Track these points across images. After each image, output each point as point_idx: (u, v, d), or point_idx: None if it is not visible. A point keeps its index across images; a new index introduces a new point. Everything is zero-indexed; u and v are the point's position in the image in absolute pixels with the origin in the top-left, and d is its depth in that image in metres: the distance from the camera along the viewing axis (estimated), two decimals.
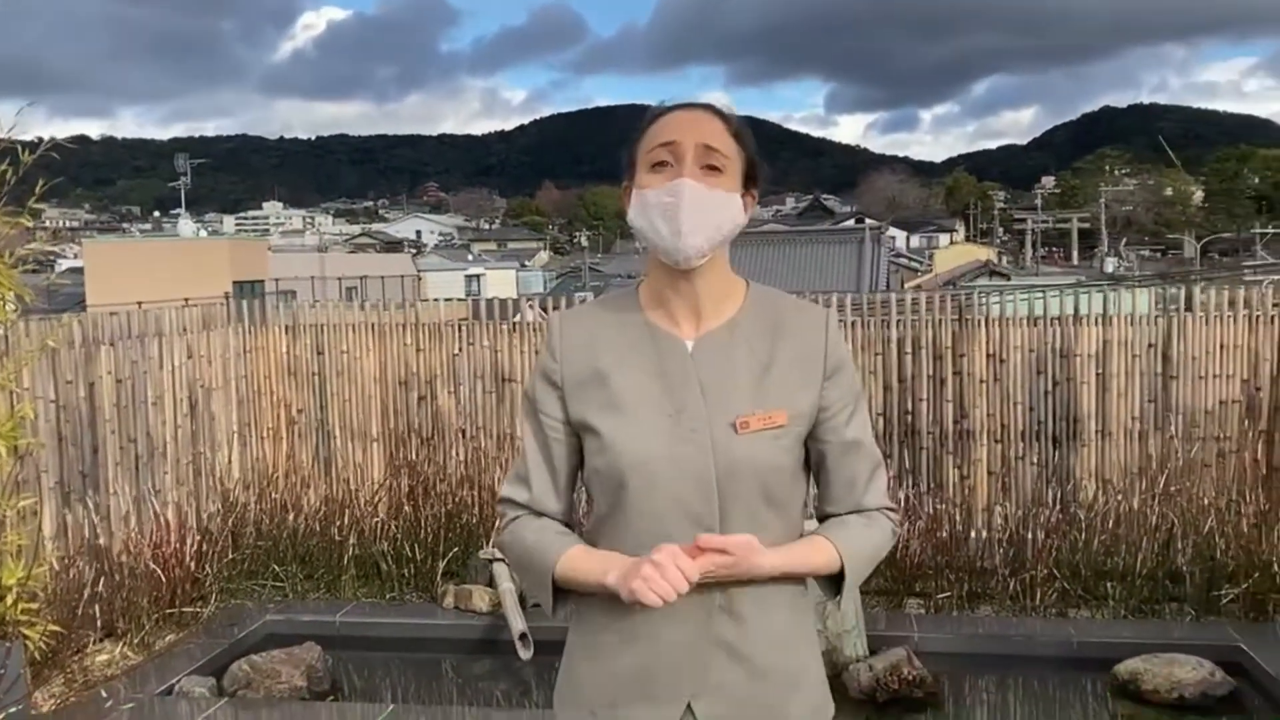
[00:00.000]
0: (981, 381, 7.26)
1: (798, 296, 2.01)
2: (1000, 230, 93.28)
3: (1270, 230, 67.34)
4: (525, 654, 5.32)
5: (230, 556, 6.30)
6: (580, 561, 1.76)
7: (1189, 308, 7.08)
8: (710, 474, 1.74)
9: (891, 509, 1.91)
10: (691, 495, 1.74)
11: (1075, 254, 76.21)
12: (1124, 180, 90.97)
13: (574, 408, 1.81)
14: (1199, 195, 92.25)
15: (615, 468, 1.76)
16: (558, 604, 1.82)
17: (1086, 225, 78.07)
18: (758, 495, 1.76)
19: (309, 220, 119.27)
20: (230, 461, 7.26)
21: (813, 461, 1.87)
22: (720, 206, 1.76)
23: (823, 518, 1.91)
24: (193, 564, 6.02)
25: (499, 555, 5.95)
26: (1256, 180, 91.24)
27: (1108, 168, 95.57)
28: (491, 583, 5.95)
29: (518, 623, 5.45)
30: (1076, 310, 7.21)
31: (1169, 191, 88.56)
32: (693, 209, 1.72)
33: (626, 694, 1.78)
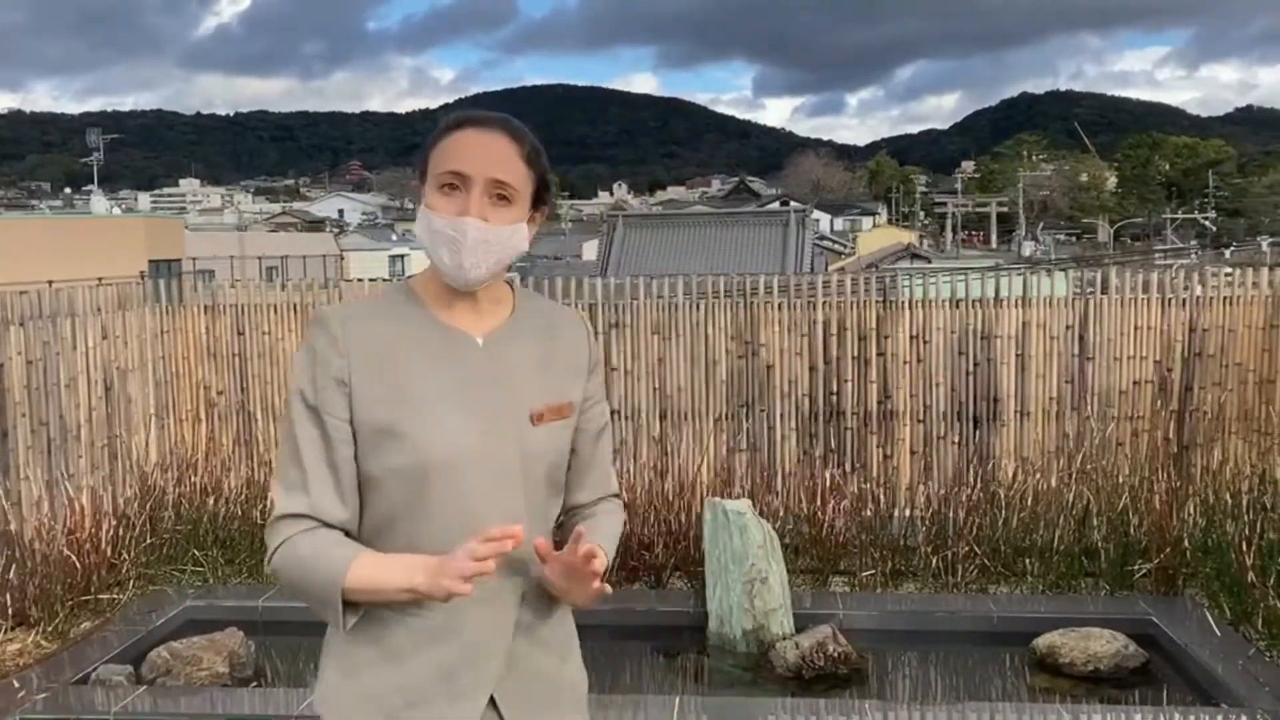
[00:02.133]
0: (905, 363, 7.37)
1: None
2: (921, 214, 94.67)
3: (1180, 216, 69.31)
4: None
5: (148, 542, 6.15)
6: (375, 570, 1.71)
7: (1104, 291, 7.26)
8: (515, 466, 1.80)
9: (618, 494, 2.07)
10: (496, 488, 1.78)
11: (994, 237, 77.64)
12: (1041, 165, 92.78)
13: (365, 407, 1.76)
14: (1112, 181, 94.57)
15: (419, 466, 1.75)
16: (348, 614, 1.74)
17: (1005, 209, 79.54)
18: (545, 483, 1.86)
19: (227, 198, 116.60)
20: (148, 445, 7.09)
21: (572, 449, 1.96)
22: (504, 241, 1.80)
23: (570, 505, 1.98)
24: (109, 550, 5.87)
25: None
26: (1167, 167, 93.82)
27: (1026, 153, 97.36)
28: None
29: None
30: (997, 293, 7.34)
31: (1084, 177, 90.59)
32: (476, 247, 1.77)
33: (429, 692, 1.77)
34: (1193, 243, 54.53)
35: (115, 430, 6.80)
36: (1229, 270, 7.64)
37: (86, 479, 6.43)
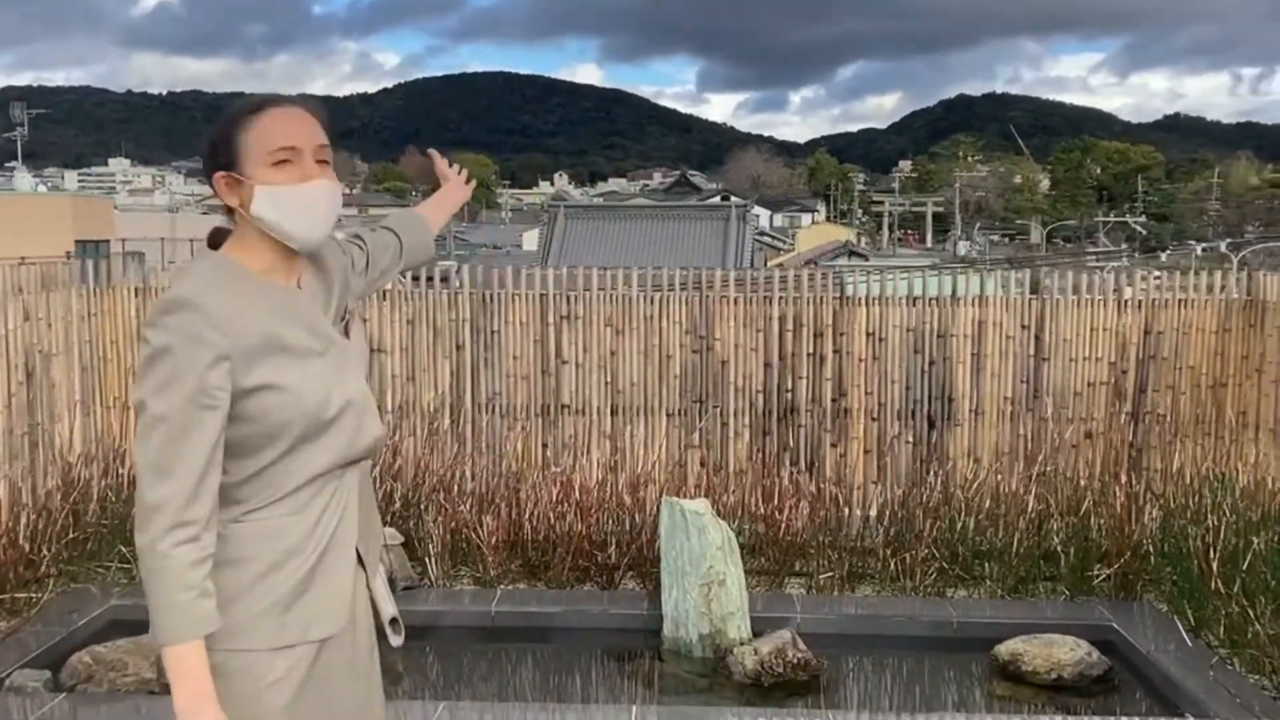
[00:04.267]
0: (860, 360, 7.25)
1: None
2: (859, 212, 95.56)
3: (1111, 219, 70.71)
4: (396, 640, 4.99)
5: (70, 536, 5.81)
6: (199, 663, 1.84)
7: (1035, 291, 7.26)
8: (357, 366, 2.06)
9: None
10: (362, 418, 2.01)
11: (929, 237, 78.61)
12: (976, 167, 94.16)
13: (247, 374, 1.87)
14: (1045, 183, 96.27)
15: (307, 413, 1.91)
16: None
17: (940, 209, 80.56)
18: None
19: (159, 179, 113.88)
20: (71, 434, 6.72)
21: None
22: (339, 196, 2.03)
23: (391, 253, 2.45)
24: (27, 545, 5.53)
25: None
26: (1098, 171, 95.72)
27: (962, 154, 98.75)
28: None
29: (388, 608, 5.14)
30: (954, 291, 7.25)
31: (1018, 179, 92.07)
32: (329, 208, 1.99)
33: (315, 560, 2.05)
34: (1124, 245, 55.62)
35: (37, 418, 6.43)
36: (1158, 273, 7.67)
37: (4, 469, 6.06)
